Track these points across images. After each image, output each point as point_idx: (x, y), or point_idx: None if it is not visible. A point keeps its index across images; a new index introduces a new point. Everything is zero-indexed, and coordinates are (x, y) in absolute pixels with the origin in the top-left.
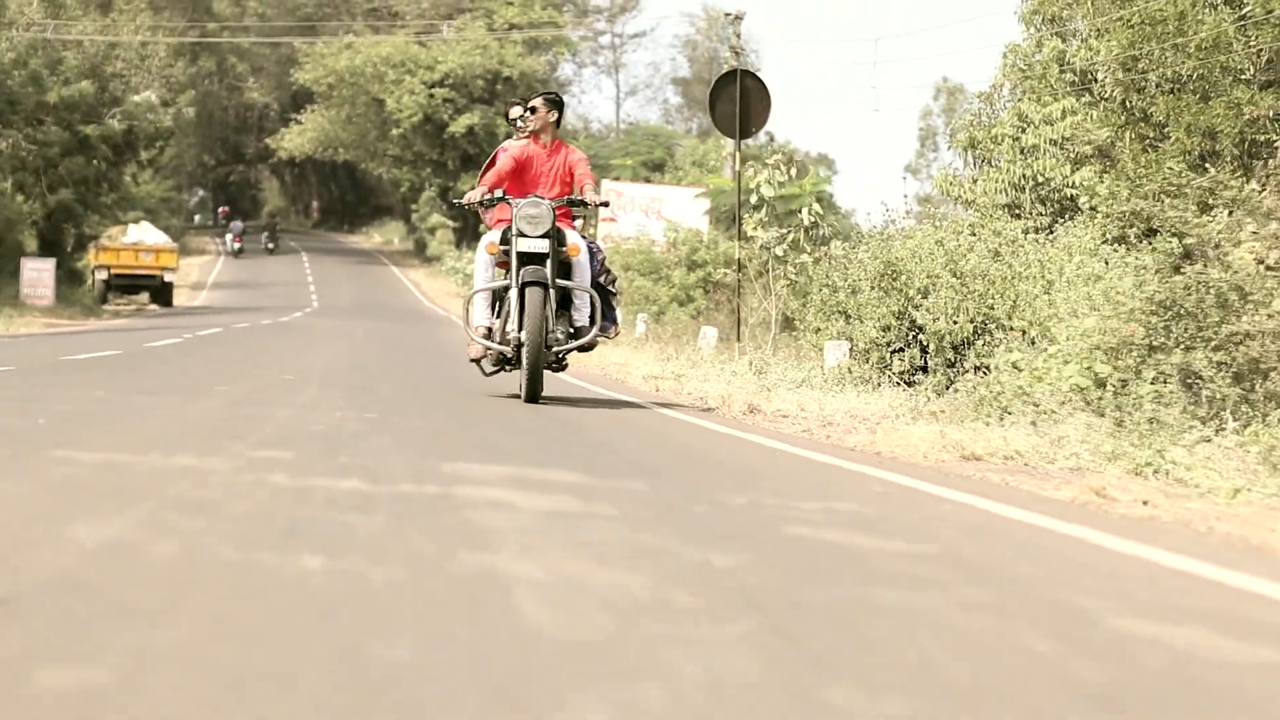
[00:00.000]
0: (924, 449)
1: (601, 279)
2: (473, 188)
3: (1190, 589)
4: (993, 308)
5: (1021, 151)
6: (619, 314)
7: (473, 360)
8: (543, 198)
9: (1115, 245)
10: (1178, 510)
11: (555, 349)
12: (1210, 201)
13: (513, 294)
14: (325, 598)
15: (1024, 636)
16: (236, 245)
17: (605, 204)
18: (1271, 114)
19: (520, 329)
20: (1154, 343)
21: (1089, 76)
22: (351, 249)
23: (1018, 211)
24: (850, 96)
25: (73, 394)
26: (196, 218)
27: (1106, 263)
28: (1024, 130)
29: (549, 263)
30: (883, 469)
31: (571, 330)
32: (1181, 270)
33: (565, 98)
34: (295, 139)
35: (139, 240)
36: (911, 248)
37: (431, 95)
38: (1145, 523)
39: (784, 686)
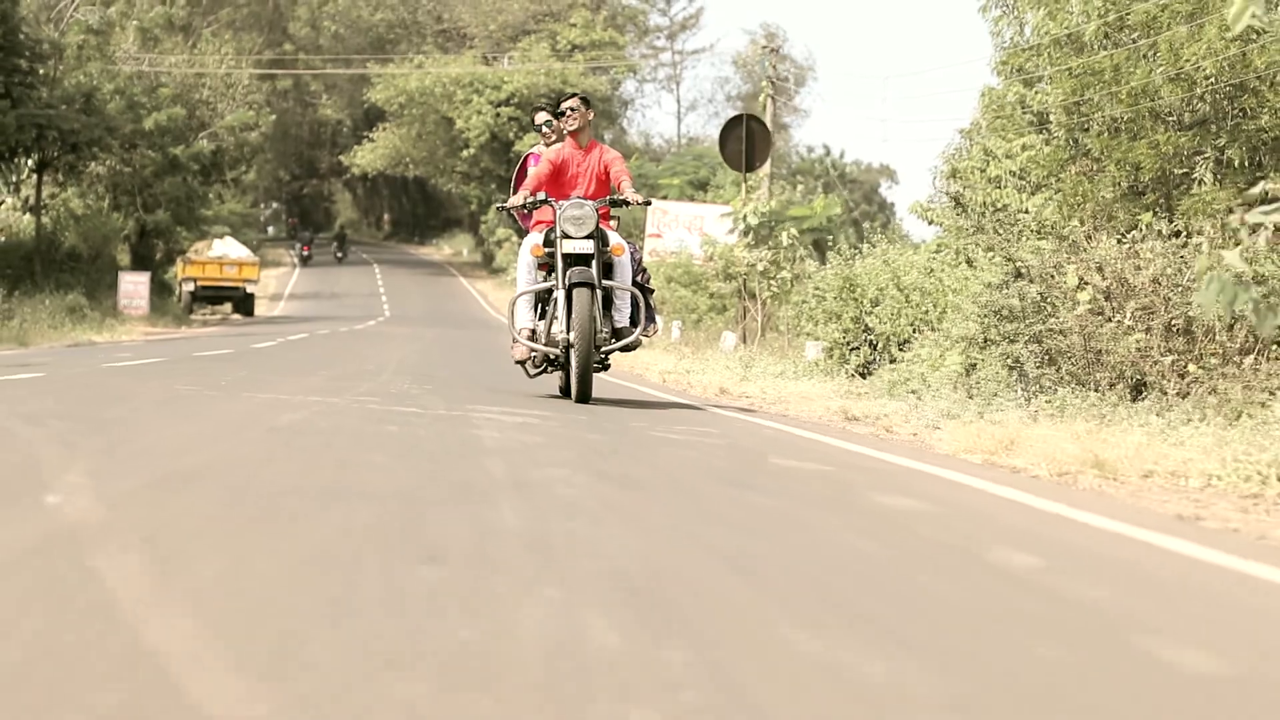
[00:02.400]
0: (820, 412)
1: (639, 278)
2: (505, 198)
3: (905, 475)
4: (926, 313)
5: (987, 181)
6: (656, 313)
7: (517, 362)
8: (585, 199)
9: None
10: (933, 438)
11: (602, 349)
12: (1135, 222)
13: (559, 295)
14: (399, 442)
15: (721, 463)
16: (305, 253)
17: (648, 203)
18: (1187, 151)
19: (568, 330)
20: (988, 337)
21: (1044, 118)
22: (422, 260)
23: (981, 233)
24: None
25: (227, 373)
26: (270, 229)
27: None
28: (989, 163)
29: (595, 263)
30: (772, 420)
31: (613, 330)
32: (1008, 286)
33: (628, 114)
34: (367, 156)
35: (223, 254)
36: (865, 266)
37: (498, 114)
38: (897, 443)
39: (600, 481)
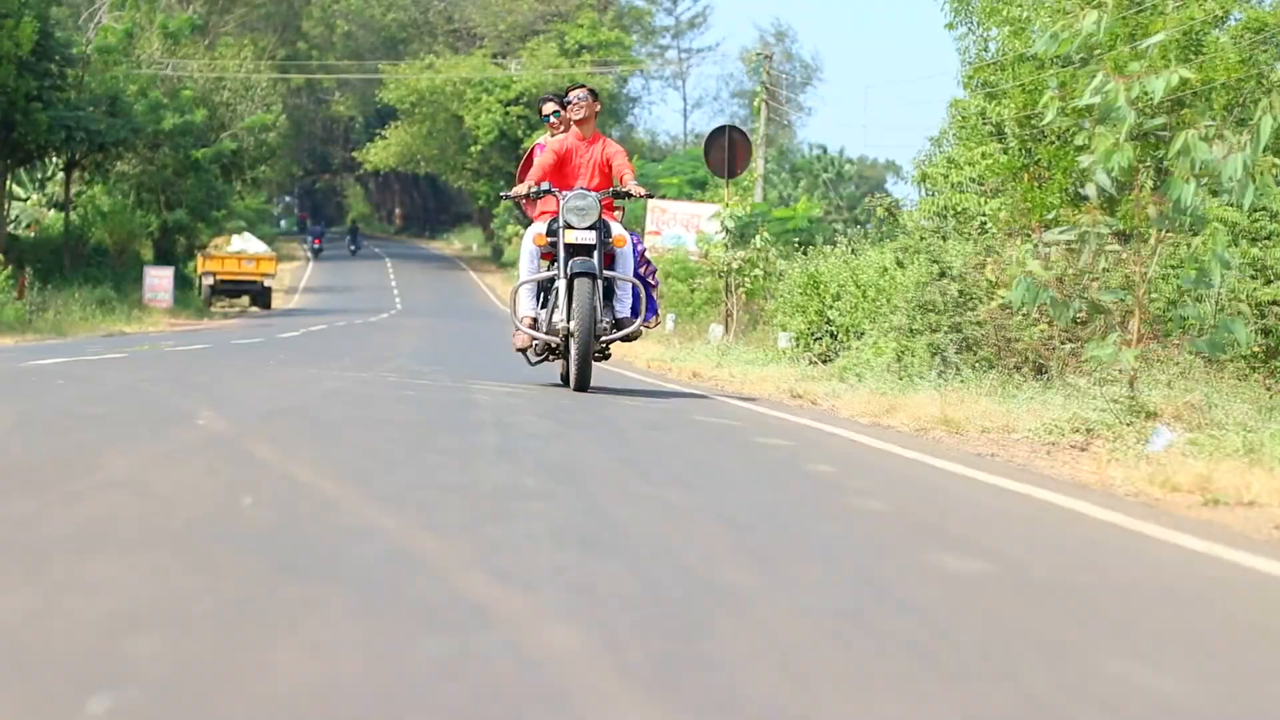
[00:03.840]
0: (770, 391)
1: (640, 270)
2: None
3: (804, 432)
4: (881, 307)
5: (950, 186)
6: (657, 304)
7: (518, 350)
8: (588, 190)
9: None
10: (842, 406)
11: (602, 339)
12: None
13: (561, 285)
14: (415, 399)
15: (654, 418)
16: (316, 246)
17: (650, 195)
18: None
19: (569, 319)
20: (914, 328)
21: (1001, 128)
22: (432, 255)
23: (944, 234)
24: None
25: (269, 356)
26: (282, 223)
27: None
28: (951, 169)
29: (597, 254)
30: (724, 395)
31: (614, 320)
32: (932, 284)
33: (634, 111)
34: (380, 153)
35: (242, 249)
36: (828, 265)
37: (507, 113)
38: (812, 410)
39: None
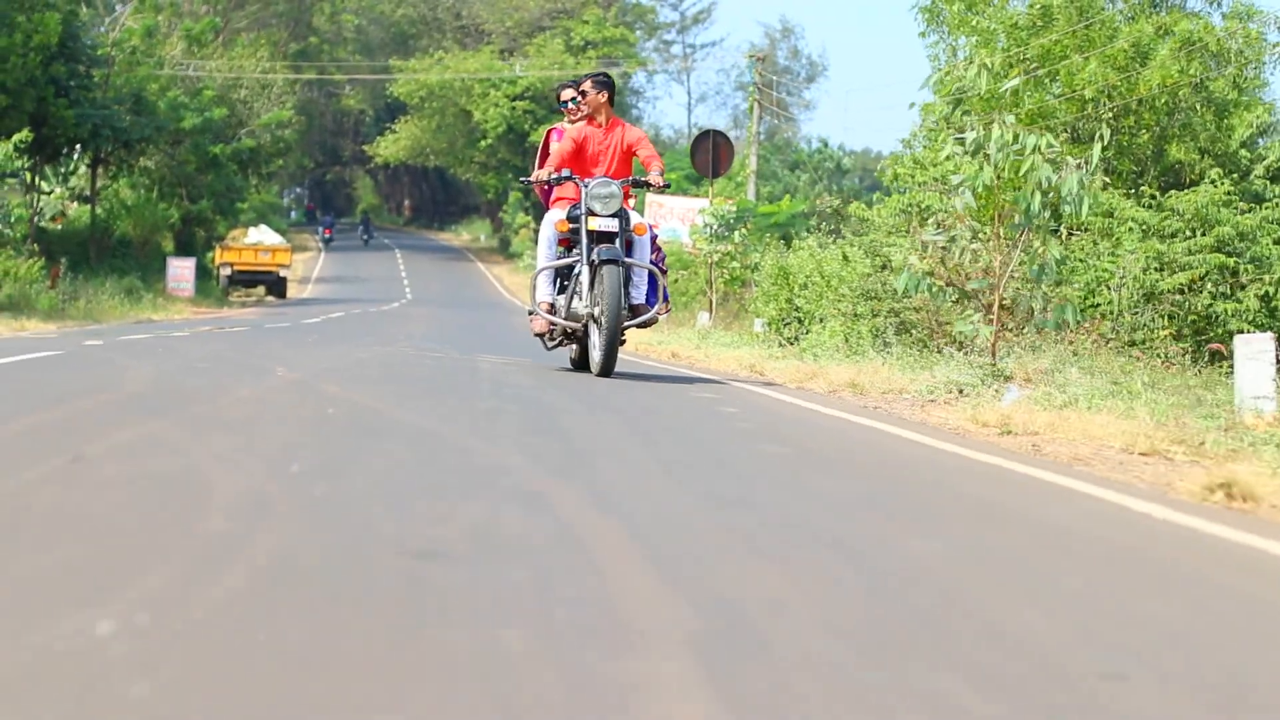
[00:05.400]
0: (732, 366)
1: (653, 257)
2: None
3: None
4: (843, 296)
5: (917, 185)
6: (668, 292)
7: (536, 335)
8: (611, 178)
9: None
10: (779, 376)
11: (622, 325)
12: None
13: (583, 271)
14: (430, 366)
15: (623, 381)
16: (327, 236)
17: (668, 186)
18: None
19: (591, 305)
20: (857, 312)
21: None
22: (441, 246)
23: (907, 230)
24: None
25: (303, 337)
26: (293, 214)
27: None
28: (917, 169)
29: (619, 241)
30: (690, 369)
31: (630, 307)
32: (872, 275)
33: (639, 105)
34: (390, 146)
35: (258, 241)
36: (797, 258)
37: (514, 107)
38: (755, 379)
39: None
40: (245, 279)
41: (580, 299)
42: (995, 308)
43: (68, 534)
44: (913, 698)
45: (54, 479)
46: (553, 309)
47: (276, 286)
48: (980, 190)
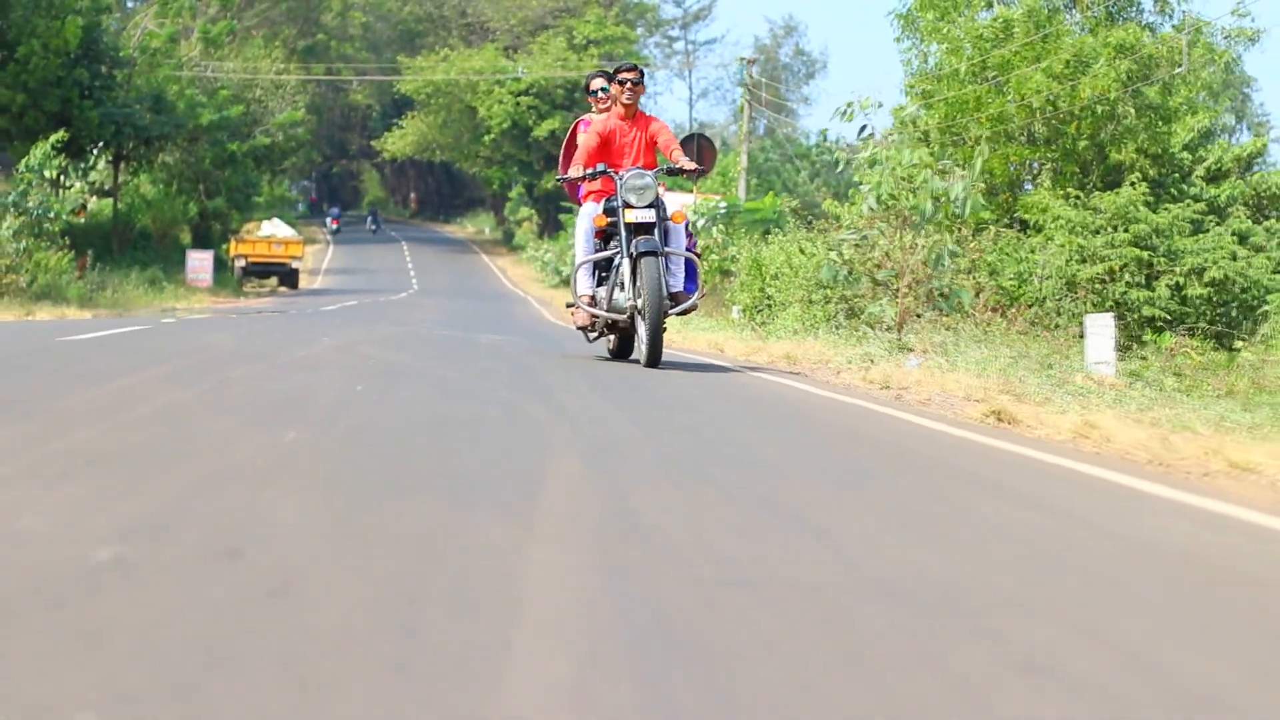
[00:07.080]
0: (702, 345)
1: (687, 243)
2: (556, 172)
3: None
4: (800, 285)
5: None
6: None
7: (579, 328)
8: (645, 170)
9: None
10: (733, 351)
11: (665, 313)
12: (980, 219)
13: (624, 263)
14: (440, 341)
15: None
16: (335, 227)
17: (704, 172)
18: (1030, 163)
19: (635, 297)
20: (811, 299)
21: (928, 134)
22: (447, 238)
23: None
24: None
25: (330, 321)
26: (300, 206)
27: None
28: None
29: (657, 231)
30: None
31: (669, 295)
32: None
33: (642, 101)
34: (397, 142)
35: (272, 234)
36: (769, 251)
37: (518, 103)
38: (715, 356)
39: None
40: (259, 270)
41: (623, 290)
42: (900, 294)
43: (246, 408)
44: (691, 480)
45: (214, 391)
46: (594, 301)
47: (289, 278)
48: (884, 196)
